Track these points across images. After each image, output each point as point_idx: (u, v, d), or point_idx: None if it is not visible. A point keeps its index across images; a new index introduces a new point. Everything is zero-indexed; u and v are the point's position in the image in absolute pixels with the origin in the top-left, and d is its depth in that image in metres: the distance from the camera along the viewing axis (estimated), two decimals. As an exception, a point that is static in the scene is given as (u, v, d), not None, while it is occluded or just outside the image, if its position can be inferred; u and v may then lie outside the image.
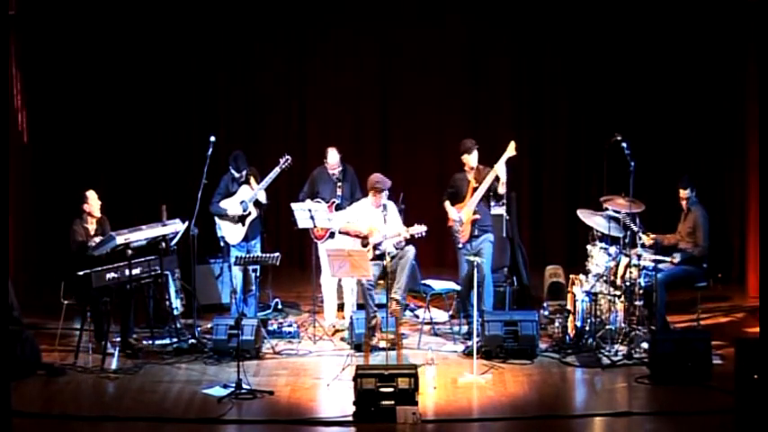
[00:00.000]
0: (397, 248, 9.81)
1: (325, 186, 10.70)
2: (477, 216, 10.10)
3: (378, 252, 9.78)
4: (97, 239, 9.92)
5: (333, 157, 10.65)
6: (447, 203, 10.33)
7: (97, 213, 10.10)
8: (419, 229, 9.75)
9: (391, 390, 8.24)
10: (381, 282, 10.18)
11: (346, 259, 9.30)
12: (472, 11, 13.21)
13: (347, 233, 10.03)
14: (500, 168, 9.97)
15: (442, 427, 8.27)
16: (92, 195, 10.11)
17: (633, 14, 12.80)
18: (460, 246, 10.23)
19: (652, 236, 10.06)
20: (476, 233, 10.13)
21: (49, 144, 12.82)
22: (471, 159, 10.18)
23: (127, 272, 9.74)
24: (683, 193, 10.25)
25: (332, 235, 10.49)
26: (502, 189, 10.08)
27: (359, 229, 9.94)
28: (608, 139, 10.07)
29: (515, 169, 10.68)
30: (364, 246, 9.81)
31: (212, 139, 10.51)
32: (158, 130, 13.25)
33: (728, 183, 12.60)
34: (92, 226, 10.07)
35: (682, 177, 10.38)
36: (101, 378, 9.33)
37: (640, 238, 9.98)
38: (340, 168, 10.66)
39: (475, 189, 10.12)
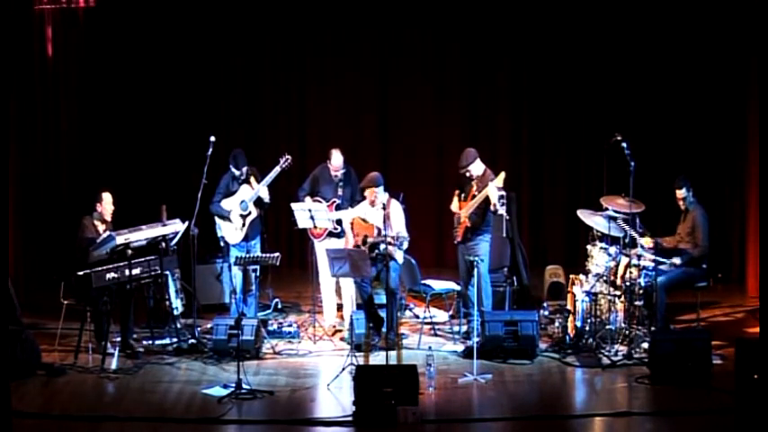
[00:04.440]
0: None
1: (327, 186, 10.68)
2: (469, 224, 10.10)
3: (376, 252, 9.76)
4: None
5: (337, 158, 10.62)
6: (456, 194, 10.35)
7: (108, 217, 10.08)
8: (404, 237, 9.75)
9: (391, 390, 8.24)
10: (376, 282, 10.19)
11: (346, 259, 9.31)
12: (473, 12, 13.21)
13: (352, 226, 10.02)
14: (491, 192, 9.94)
15: (441, 427, 8.26)
16: (106, 198, 10.07)
17: (634, 14, 12.80)
18: (456, 242, 10.28)
19: (651, 241, 10.05)
20: (469, 236, 10.14)
21: (49, 143, 12.82)
22: (474, 170, 10.16)
23: (127, 272, 9.74)
24: (679, 193, 10.26)
25: (330, 234, 10.48)
26: (494, 209, 9.98)
27: (362, 226, 9.92)
28: (608, 139, 10.06)
29: (516, 169, 10.69)
30: (365, 243, 9.81)
31: (212, 139, 10.51)
32: (159, 131, 13.26)
33: (728, 183, 12.60)
34: (101, 226, 10.06)
35: (677, 178, 10.38)
36: (101, 378, 9.33)
37: (641, 244, 9.98)
38: (343, 170, 10.64)
39: (474, 196, 10.13)
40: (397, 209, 10.02)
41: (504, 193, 9.93)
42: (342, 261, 9.39)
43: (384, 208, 9.88)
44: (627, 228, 9.88)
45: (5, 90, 10.67)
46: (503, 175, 10.01)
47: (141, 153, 13.19)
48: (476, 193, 10.12)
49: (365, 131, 13.53)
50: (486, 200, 9.98)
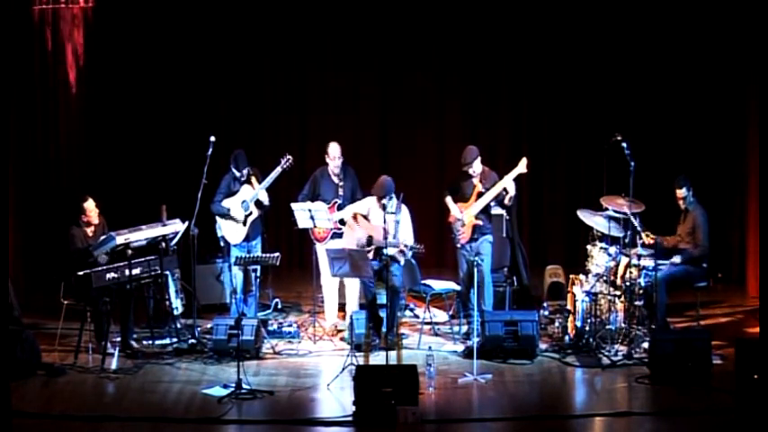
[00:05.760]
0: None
1: (327, 187, 10.67)
2: (479, 222, 10.11)
3: (381, 255, 9.76)
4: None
5: (334, 148, 10.56)
6: (449, 199, 10.34)
7: (96, 221, 10.09)
8: (418, 248, 9.74)
9: (391, 390, 8.23)
10: (378, 281, 10.19)
11: (346, 259, 9.31)
12: (473, 12, 13.20)
13: (354, 223, 10.01)
14: (508, 183, 9.98)
15: (441, 427, 8.27)
16: (89, 206, 10.05)
17: (634, 15, 12.79)
18: (459, 246, 10.26)
19: (652, 236, 10.06)
20: (475, 236, 10.14)
21: (49, 143, 12.82)
22: (475, 167, 10.17)
23: (127, 272, 9.74)
24: (679, 192, 10.26)
25: (333, 236, 10.48)
26: (508, 202, 10.10)
27: (367, 225, 9.92)
28: (608, 139, 10.07)
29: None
30: (369, 244, 9.80)
31: (212, 139, 10.50)
32: (158, 131, 13.24)
33: (728, 183, 12.59)
34: (90, 230, 10.05)
35: (677, 177, 10.38)
36: (101, 378, 9.33)
37: (640, 237, 9.98)
38: (341, 159, 10.62)
39: (480, 194, 10.12)
40: (407, 217, 10.01)
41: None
42: (342, 261, 9.39)
43: (385, 210, 9.87)
44: (633, 220, 9.85)
45: (5, 90, 10.67)
46: (524, 160, 10.05)
47: (141, 153, 13.18)
48: (482, 190, 10.12)
49: (365, 131, 13.52)
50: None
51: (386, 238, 9.64)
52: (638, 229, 9.94)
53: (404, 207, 10.01)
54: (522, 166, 10.08)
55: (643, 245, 9.98)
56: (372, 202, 10.11)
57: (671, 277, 10.02)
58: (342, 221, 10.34)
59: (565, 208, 13.10)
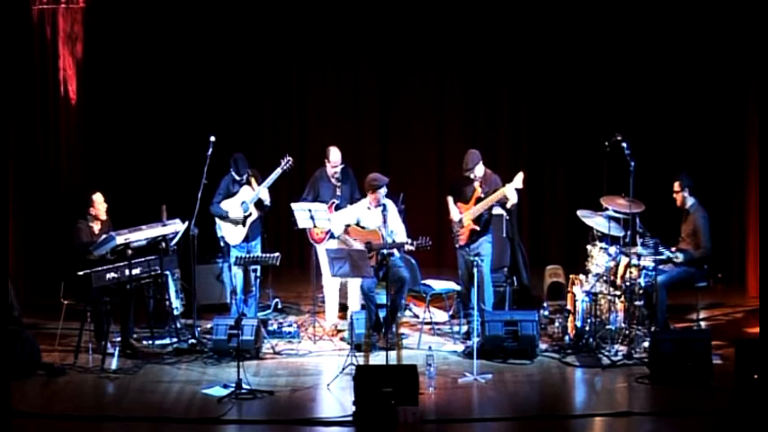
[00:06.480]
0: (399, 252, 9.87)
1: (326, 188, 10.68)
2: (477, 227, 10.10)
3: (380, 257, 9.76)
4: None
5: (335, 154, 10.63)
6: (450, 199, 10.34)
7: (103, 216, 10.10)
8: (425, 243, 9.72)
9: (391, 390, 8.24)
10: (381, 282, 10.19)
11: (346, 259, 9.31)
12: (473, 12, 13.20)
13: (348, 237, 10.00)
14: (509, 192, 9.97)
15: (441, 427, 8.27)
16: (98, 199, 10.08)
17: (634, 15, 12.80)
18: (458, 246, 10.26)
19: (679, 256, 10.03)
20: (474, 238, 10.14)
21: (49, 142, 12.81)
22: (476, 172, 10.17)
23: (127, 272, 9.74)
24: (675, 185, 10.21)
25: (332, 236, 10.48)
26: (510, 207, 10.10)
27: (363, 233, 9.93)
28: (608, 139, 10.06)
29: (516, 169, 10.68)
30: (369, 250, 9.80)
31: (212, 139, 10.51)
32: (158, 131, 13.25)
33: (728, 183, 12.59)
34: (96, 226, 10.07)
35: (679, 173, 10.36)
36: (101, 378, 9.33)
37: (676, 257, 9.93)
38: (342, 166, 10.64)
39: (479, 198, 10.11)
40: (393, 210, 10.05)
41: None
42: (342, 261, 9.38)
43: (384, 209, 9.88)
44: (662, 248, 9.84)
45: (5, 90, 10.68)
46: (521, 175, 10.04)
47: (141, 153, 13.19)
48: (481, 195, 10.12)
49: (365, 132, 13.53)
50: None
51: (384, 239, 9.65)
52: (669, 254, 9.89)
53: (389, 201, 10.03)
54: (517, 181, 10.02)
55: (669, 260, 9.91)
56: (360, 208, 10.11)
57: (671, 280, 9.99)
58: (332, 236, 10.35)
59: (565, 208, 13.11)
